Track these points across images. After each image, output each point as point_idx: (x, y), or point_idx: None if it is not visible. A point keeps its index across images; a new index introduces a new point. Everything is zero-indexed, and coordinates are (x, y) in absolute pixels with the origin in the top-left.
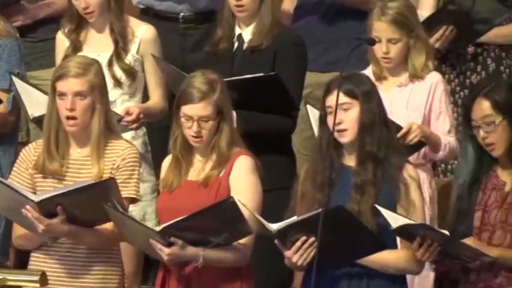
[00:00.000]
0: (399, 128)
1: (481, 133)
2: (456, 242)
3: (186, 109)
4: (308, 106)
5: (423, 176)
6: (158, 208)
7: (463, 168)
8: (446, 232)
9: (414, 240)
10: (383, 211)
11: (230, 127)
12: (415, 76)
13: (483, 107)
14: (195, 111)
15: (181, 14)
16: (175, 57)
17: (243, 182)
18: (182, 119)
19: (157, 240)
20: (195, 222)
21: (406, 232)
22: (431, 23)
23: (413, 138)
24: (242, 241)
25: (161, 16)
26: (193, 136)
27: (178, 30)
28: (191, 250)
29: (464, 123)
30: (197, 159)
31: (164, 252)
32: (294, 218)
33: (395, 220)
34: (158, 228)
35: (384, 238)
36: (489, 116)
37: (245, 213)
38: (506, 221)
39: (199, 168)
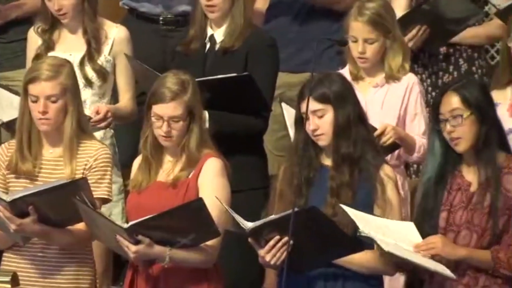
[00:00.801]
0: (373, 129)
1: (448, 126)
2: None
3: (157, 109)
4: (283, 105)
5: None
6: (126, 207)
7: (429, 163)
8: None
9: None
10: (350, 212)
11: (200, 128)
12: (391, 77)
13: (452, 100)
14: (165, 111)
15: (162, 16)
16: (156, 59)
17: (211, 184)
18: (153, 119)
19: (124, 237)
20: (163, 221)
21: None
22: (405, 22)
23: (387, 139)
24: (209, 242)
25: (143, 18)
26: (163, 136)
27: (159, 32)
28: (157, 249)
29: (433, 118)
30: (167, 159)
31: (131, 249)
32: (268, 217)
33: (363, 220)
34: (125, 225)
35: (359, 240)
36: (457, 109)
37: (216, 212)
38: (471, 221)
39: (169, 169)
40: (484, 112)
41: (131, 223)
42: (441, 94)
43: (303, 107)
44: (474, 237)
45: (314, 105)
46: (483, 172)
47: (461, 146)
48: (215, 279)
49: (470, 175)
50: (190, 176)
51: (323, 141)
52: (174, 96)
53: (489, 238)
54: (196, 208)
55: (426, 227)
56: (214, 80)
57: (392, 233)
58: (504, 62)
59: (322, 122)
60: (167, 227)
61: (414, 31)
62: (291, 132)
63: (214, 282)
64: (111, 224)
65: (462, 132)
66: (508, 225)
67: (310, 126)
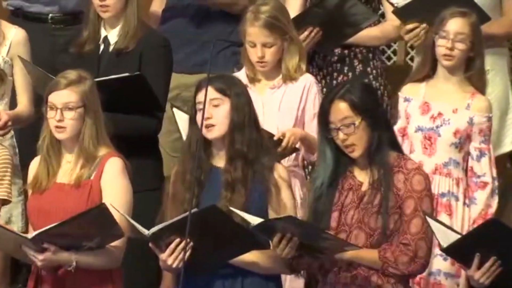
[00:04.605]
0: (270, 136)
1: (341, 135)
2: (320, 233)
3: (51, 97)
4: (175, 110)
5: (294, 180)
6: (28, 210)
7: (321, 169)
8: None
9: (273, 236)
10: (240, 213)
11: (95, 123)
12: (288, 78)
13: (341, 109)
14: (59, 98)
15: (50, 15)
16: (45, 58)
17: (114, 185)
18: (48, 110)
19: (30, 246)
20: (67, 228)
21: (268, 228)
22: (297, 24)
23: (290, 143)
24: (114, 243)
25: (30, 18)
26: (56, 127)
27: (47, 31)
28: (64, 255)
29: (321, 126)
30: (66, 160)
31: (38, 258)
32: (168, 221)
33: (252, 219)
34: (30, 236)
35: (257, 237)
36: (348, 117)
37: (117, 216)
38: (362, 220)
39: (69, 169)
40: (374, 115)
41: (35, 233)
42: (329, 102)
43: (198, 97)
44: (363, 236)
45: (212, 93)
46: (375, 172)
47: (356, 153)
48: (118, 281)
49: (362, 175)
50: (92, 177)
51: (214, 133)
52: (69, 83)
53: (379, 237)
54: (99, 213)
55: None
56: (106, 81)
57: None
58: (426, 56)
59: (216, 112)
60: (71, 233)
61: (306, 33)
62: (184, 135)
63: (117, 284)
64: (14, 235)
65: (355, 139)
66: (400, 224)
67: (205, 115)
